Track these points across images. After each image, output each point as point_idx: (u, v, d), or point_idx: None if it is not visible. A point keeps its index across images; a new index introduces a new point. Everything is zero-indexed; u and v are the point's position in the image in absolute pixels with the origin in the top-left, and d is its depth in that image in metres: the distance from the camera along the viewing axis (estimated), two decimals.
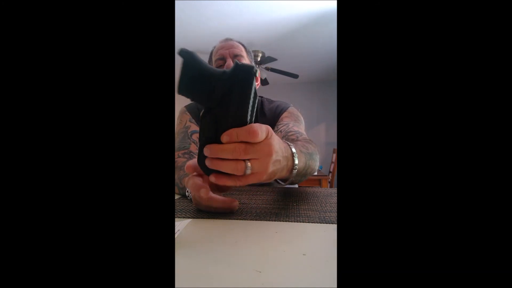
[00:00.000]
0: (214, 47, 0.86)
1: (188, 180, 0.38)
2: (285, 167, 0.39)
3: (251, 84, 0.31)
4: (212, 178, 0.34)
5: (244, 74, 0.31)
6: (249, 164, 0.32)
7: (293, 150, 0.41)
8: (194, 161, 0.38)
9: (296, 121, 0.80)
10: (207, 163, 0.33)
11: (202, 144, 0.33)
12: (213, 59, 0.82)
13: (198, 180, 0.37)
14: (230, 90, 0.31)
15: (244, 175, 0.33)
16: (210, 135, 0.32)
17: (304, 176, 0.51)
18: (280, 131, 0.75)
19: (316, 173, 0.83)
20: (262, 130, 0.32)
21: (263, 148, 0.33)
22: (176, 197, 0.55)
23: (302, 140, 0.63)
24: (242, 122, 0.31)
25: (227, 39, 0.85)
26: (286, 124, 0.77)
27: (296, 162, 0.41)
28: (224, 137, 0.31)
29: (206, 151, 0.32)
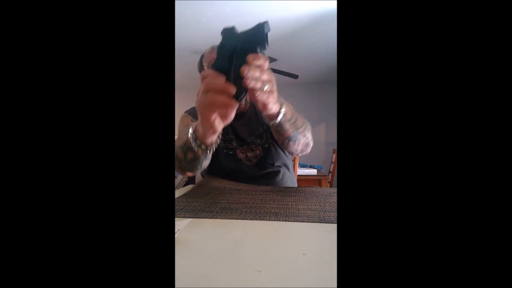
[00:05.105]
0: (203, 54, 0.78)
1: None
2: (277, 102, 0.47)
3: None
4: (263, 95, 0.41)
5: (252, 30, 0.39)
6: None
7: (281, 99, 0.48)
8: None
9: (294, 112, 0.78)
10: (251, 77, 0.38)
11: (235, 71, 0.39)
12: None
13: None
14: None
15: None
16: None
17: (294, 127, 0.59)
18: None
19: (309, 149, 0.79)
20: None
21: (272, 75, 0.41)
22: (176, 196, 0.55)
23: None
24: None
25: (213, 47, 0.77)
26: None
27: (284, 109, 0.51)
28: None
29: (246, 67, 0.37)
